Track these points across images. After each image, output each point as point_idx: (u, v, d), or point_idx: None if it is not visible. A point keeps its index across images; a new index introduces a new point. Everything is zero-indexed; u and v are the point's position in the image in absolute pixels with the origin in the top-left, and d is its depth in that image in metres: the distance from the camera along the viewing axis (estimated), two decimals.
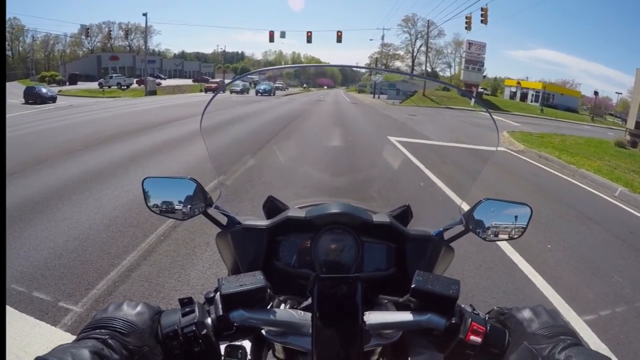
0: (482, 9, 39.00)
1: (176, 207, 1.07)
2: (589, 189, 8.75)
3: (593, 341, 3.12)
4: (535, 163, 11.36)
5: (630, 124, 16.44)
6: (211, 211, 1.10)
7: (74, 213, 5.07)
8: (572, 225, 5.96)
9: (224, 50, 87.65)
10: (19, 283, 3.40)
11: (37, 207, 5.19)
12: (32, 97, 32.33)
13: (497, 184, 7.70)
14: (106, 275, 3.60)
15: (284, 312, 0.83)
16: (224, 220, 1.13)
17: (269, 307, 0.82)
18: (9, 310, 3.02)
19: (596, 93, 59.55)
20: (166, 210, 1.08)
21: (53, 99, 33.34)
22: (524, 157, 12.09)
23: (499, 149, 12.80)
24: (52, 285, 3.41)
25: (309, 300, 0.83)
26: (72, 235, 4.41)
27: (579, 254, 4.81)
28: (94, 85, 50.48)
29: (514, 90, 63.47)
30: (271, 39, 46.35)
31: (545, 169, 10.67)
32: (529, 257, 4.45)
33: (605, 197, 8.20)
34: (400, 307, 0.86)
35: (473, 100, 45.02)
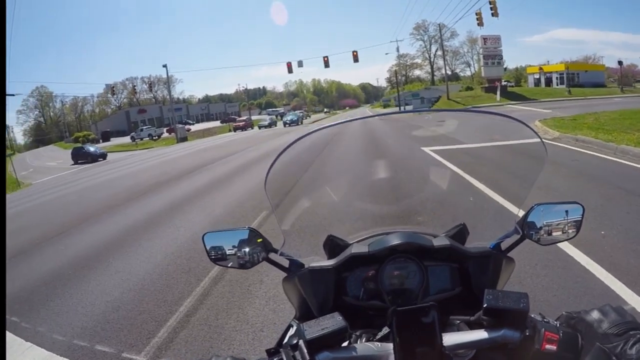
0: (490, 2, 38.63)
1: (238, 256, 1.12)
2: (634, 164, 8.38)
3: None
4: (573, 148, 11.01)
5: None
6: (273, 256, 1.14)
7: (125, 265, 5.24)
8: (622, 206, 5.71)
9: (246, 88, 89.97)
10: (81, 338, 3.53)
11: (90, 264, 5.40)
12: (82, 157, 34.06)
13: (539, 177, 7.47)
14: (165, 323, 3.67)
15: (363, 346, 0.85)
16: (285, 263, 1.16)
17: (347, 344, 0.85)
18: None
19: (620, 63, 57.49)
20: (228, 259, 1.13)
21: (103, 156, 35.08)
22: (560, 144, 11.74)
23: (532, 140, 12.36)
24: (113, 338, 3.51)
25: (384, 331, 0.88)
26: (127, 287, 4.55)
27: (634, 236, 4.59)
28: (126, 139, 52.71)
29: (538, 77, 62.21)
30: (290, 70, 47.15)
31: (584, 151, 10.32)
32: (584, 247, 4.28)
33: None
34: (472, 326, 0.88)
35: (499, 94, 44.28)
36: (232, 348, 3.14)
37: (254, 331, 3.36)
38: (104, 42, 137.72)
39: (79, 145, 40.89)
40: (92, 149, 36.67)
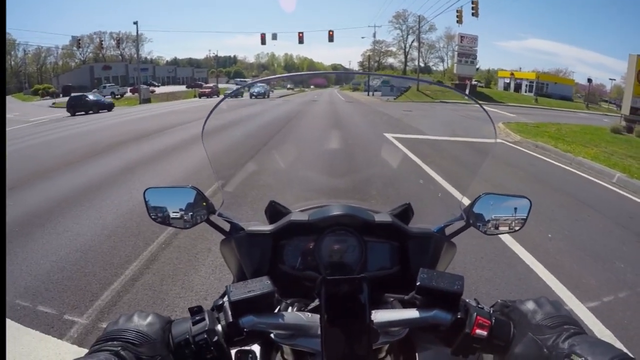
0: (472, 2, 39.09)
1: (178, 215, 1.08)
2: (587, 177, 8.78)
3: (597, 328, 3.13)
4: (532, 153, 11.39)
5: (625, 110, 16.49)
6: (214, 218, 1.10)
7: (75, 225, 5.07)
8: (571, 213, 5.98)
9: (217, 55, 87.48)
10: (23, 298, 3.40)
11: (38, 221, 5.19)
12: (81, 107, 29.44)
13: (495, 176, 7.71)
14: (110, 286, 3.60)
15: (292, 315, 0.84)
16: (226, 226, 1.13)
17: (276, 311, 0.83)
18: (15, 325, 3.03)
19: (589, 80, 59.56)
20: (168, 218, 1.09)
21: (110, 107, 30.97)
22: (520, 148, 12.13)
23: (494, 140, 12.76)
24: (56, 299, 3.41)
25: (316, 302, 0.84)
26: (74, 247, 4.41)
27: (579, 242, 4.83)
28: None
29: (508, 82, 63.64)
30: (263, 42, 46.51)
31: (542, 158, 10.71)
32: (530, 247, 4.47)
33: (603, 183, 8.23)
34: (406, 305, 0.86)
35: (467, 94, 45.04)
36: (175, 314, 3.10)
37: (198, 299, 3.34)
38: None
39: (78, 94, 35.20)
40: (94, 97, 31.88)
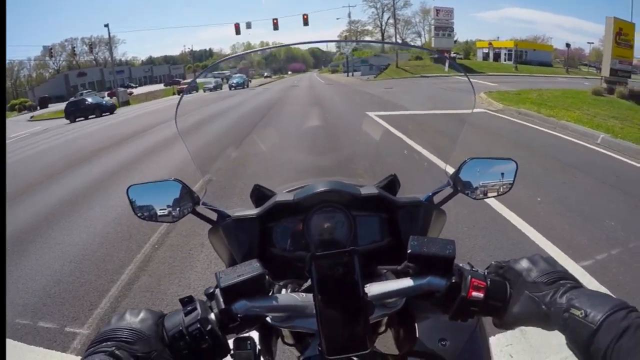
0: None
1: (164, 210, 1.07)
2: (572, 139, 8.87)
3: (593, 285, 3.17)
4: (516, 120, 11.46)
5: (605, 72, 16.54)
6: (200, 209, 1.09)
7: (65, 236, 5.04)
8: (559, 176, 6.05)
9: (192, 50, 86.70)
10: (22, 316, 3.38)
11: (29, 237, 5.14)
12: (82, 112, 27.59)
13: (480, 145, 7.76)
14: (107, 293, 3.59)
15: (285, 296, 0.83)
16: (213, 216, 1.12)
17: (270, 294, 0.82)
18: (18, 345, 3.01)
19: (568, 45, 59.96)
20: (155, 215, 1.08)
21: (112, 109, 29.02)
22: (503, 116, 12.20)
23: (477, 110, 12.95)
24: (55, 313, 3.40)
25: (309, 282, 0.81)
26: (68, 259, 4.38)
27: (569, 204, 4.90)
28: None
29: (487, 52, 63.61)
30: (237, 32, 45.83)
31: (526, 124, 10.78)
32: (521, 212, 4.52)
33: (588, 145, 8.33)
34: (400, 275, 0.85)
35: (447, 65, 45.12)
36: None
37: (196, 294, 3.33)
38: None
39: (75, 98, 33.35)
40: (93, 100, 29.68)
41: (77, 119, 27.38)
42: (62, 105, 49.72)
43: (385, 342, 1.05)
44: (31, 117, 40.09)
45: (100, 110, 28.26)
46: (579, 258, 3.60)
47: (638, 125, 9.89)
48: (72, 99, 33.45)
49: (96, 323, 3.17)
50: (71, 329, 3.15)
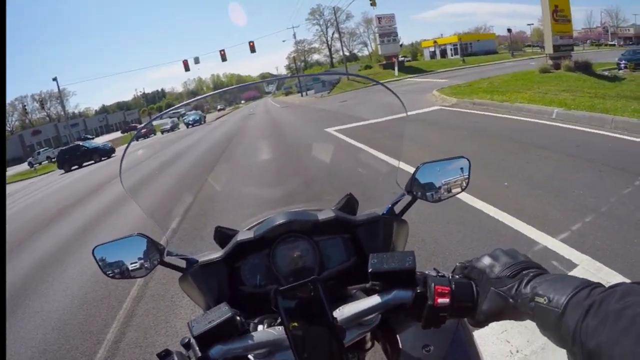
0: None
1: (133, 266, 1.06)
2: (528, 119, 9.12)
3: (575, 255, 3.22)
4: (471, 111, 11.73)
5: (549, 49, 17.13)
6: (167, 259, 1.09)
7: (44, 304, 4.79)
8: (522, 157, 6.17)
9: (144, 93, 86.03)
10: None
11: (7, 308, 4.89)
12: (78, 159, 26.49)
13: (440, 142, 7.89)
14: (95, 356, 3.41)
15: (261, 333, 0.83)
16: (182, 263, 1.12)
17: (246, 334, 0.82)
18: None
19: (509, 30, 62.76)
20: (126, 270, 1.07)
21: (111, 153, 28.12)
22: (458, 109, 12.48)
23: (433, 108, 13.26)
24: None
25: None
26: (50, 326, 4.16)
27: (535, 182, 4.98)
28: (24, 166, 48.21)
29: (433, 50, 65.68)
30: (186, 68, 45.63)
31: (482, 113, 11.04)
32: (491, 199, 4.56)
33: (544, 122, 8.58)
34: (369, 292, 0.87)
35: (397, 69, 46.08)
36: None
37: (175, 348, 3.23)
38: None
39: (70, 145, 31.59)
40: (89, 145, 28.39)
41: (72, 168, 26.68)
42: (20, 167, 48.40)
43: (377, 358, 1.06)
44: None
45: (99, 154, 27.71)
46: (556, 232, 3.64)
47: (588, 94, 10.30)
48: (62, 148, 32.32)
49: None
50: None
